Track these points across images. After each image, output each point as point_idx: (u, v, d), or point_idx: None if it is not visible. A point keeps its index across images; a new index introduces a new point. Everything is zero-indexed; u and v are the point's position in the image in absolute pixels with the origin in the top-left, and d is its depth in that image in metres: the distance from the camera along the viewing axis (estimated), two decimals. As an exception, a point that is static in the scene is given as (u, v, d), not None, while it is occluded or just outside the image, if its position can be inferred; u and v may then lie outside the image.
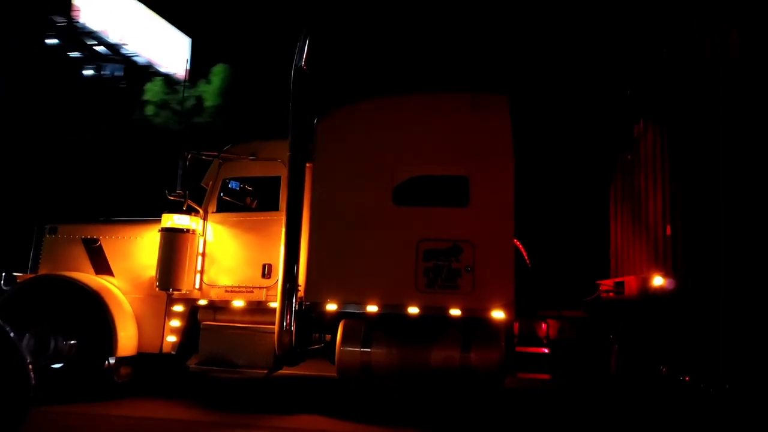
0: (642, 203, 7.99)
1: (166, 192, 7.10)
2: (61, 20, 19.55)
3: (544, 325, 7.38)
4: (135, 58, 21.32)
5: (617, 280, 8.17)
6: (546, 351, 7.34)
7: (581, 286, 9.09)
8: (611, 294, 8.27)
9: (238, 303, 7.31)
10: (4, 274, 7.42)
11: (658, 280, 6.52)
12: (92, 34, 20.19)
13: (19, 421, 4.07)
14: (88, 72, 20.10)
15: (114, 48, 20.85)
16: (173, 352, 7.42)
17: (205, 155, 7.56)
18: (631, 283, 7.50)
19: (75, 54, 20.08)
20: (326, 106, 7.37)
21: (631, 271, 8.23)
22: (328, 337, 7.71)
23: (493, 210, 6.72)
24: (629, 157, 8.64)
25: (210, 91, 18.35)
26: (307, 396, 7.95)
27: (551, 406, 7.43)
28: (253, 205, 7.81)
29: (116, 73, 20.24)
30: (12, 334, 4.23)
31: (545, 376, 7.42)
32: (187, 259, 7.24)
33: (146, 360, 7.47)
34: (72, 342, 6.97)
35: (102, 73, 20.33)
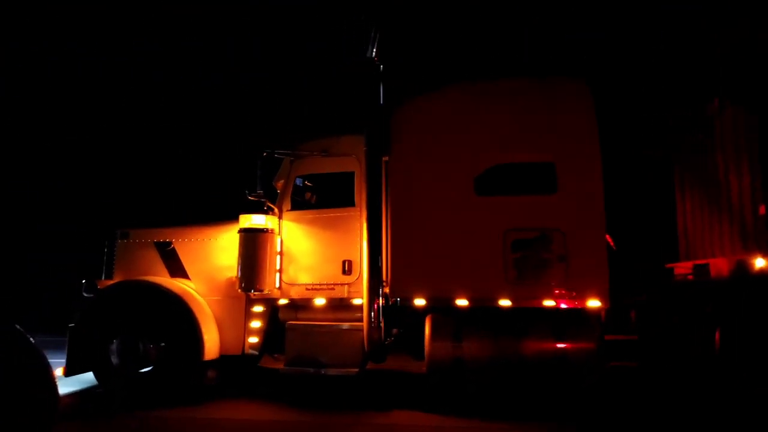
0: (721, 184, 7.82)
1: (246, 192, 7.02)
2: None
3: (632, 312, 7.26)
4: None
5: (697, 262, 8.00)
6: (635, 338, 7.24)
7: (649, 269, 8.97)
8: (690, 277, 8.11)
9: (320, 301, 7.25)
10: (85, 281, 7.38)
11: (760, 262, 6.36)
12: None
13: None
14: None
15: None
16: (256, 353, 7.39)
17: (279, 153, 7.47)
18: (719, 265, 7.33)
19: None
20: (400, 98, 7.23)
21: (710, 253, 8.07)
22: (395, 330, 7.61)
23: (582, 196, 6.58)
24: (700, 136, 8.45)
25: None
26: (390, 391, 7.85)
27: (656, 394, 7.21)
28: (313, 201, 7.73)
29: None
30: (32, 341, 4.17)
31: (632, 364, 7.31)
32: (268, 258, 7.18)
33: (226, 361, 7.44)
34: (161, 345, 6.92)
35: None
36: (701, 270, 7.79)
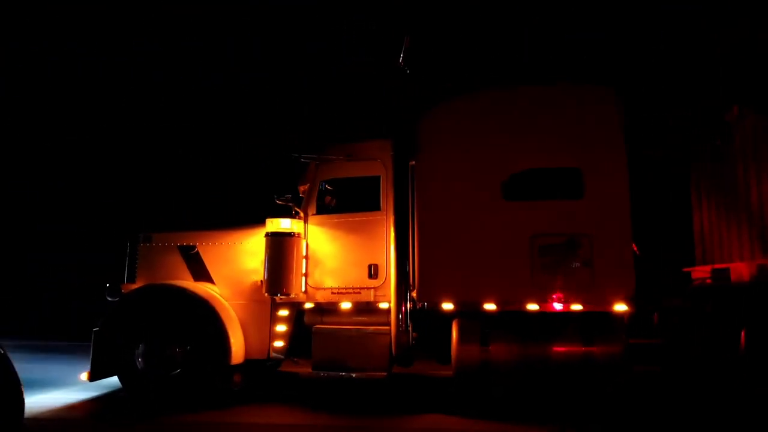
0: (740, 190, 7.92)
1: (275, 197, 7.05)
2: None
3: (655, 315, 7.34)
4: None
5: (716, 267, 8.10)
6: (658, 341, 7.32)
7: (669, 273, 9.08)
8: (708, 281, 8.21)
9: (346, 305, 7.27)
10: (108, 284, 7.37)
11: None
12: None
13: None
14: None
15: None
16: (282, 357, 7.40)
17: (305, 157, 7.50)
18: (739, 270, 7.43)
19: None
20: (427, 103, 7.30)
21: (728, 257, 8.17)
22: (414, 335, 7.64)
23: (608, 201, 6.66)
24: (718, 143, 8.56)
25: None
26: (415, 394, 7.87)
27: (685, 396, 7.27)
28: (332, 204, 7.76)
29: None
30: (2, 351, 4.20)
31: (655, 368, 7.39)
32: (294, 262, 7.21)
33: (248, 365, 7.44)
34: (187, 349, 6.92)
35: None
36: (721, 274, 7.88)
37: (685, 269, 9.08)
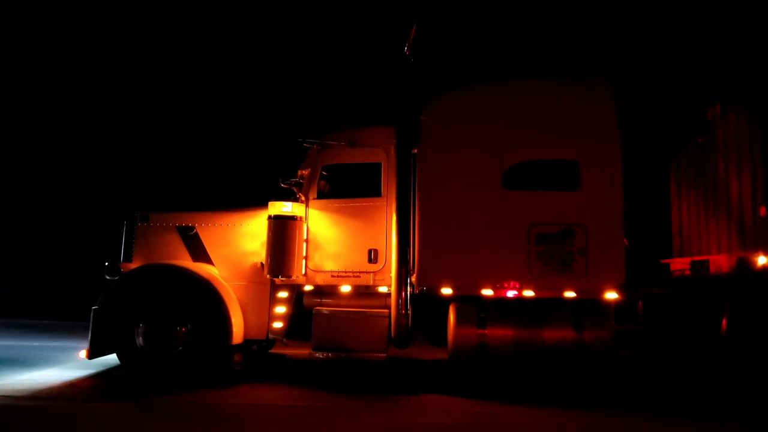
0: (720, 185, 8.32)
1: (280, 180, 7.11)
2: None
3: (640, 303, 7.72)
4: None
5: (696, 258, 8.52)
6: (641, 327, 7.70)
7: (651, 264, 9.49)
8: (687, 272, 8.63)
9: (346, 288, 7.42)
10: (107, 263, 7.33)
11: (762, 260, 6.89)
12: None
13: None
14: None
15: None
16: (280, 339, 7.52)
17: (307, 142, 7.55)
18: (719, 262, 7.85)
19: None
20: (431, 92, 7.43)
21: (706, 250, 8.60)
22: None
23: (603, 193, 6.96)
24: (700, 140, 8.94)
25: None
26: (409, 376, 8.12)
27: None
28: (326, 190, 7.86)
29: None
30: None
31: (640, 352, 7.79)
32: (296, 245, 7.30)
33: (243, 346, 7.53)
34: (189, 328, 6.98)
35: None
36: (700, 266, 8.29)
37: (663, 261, 9.51)
